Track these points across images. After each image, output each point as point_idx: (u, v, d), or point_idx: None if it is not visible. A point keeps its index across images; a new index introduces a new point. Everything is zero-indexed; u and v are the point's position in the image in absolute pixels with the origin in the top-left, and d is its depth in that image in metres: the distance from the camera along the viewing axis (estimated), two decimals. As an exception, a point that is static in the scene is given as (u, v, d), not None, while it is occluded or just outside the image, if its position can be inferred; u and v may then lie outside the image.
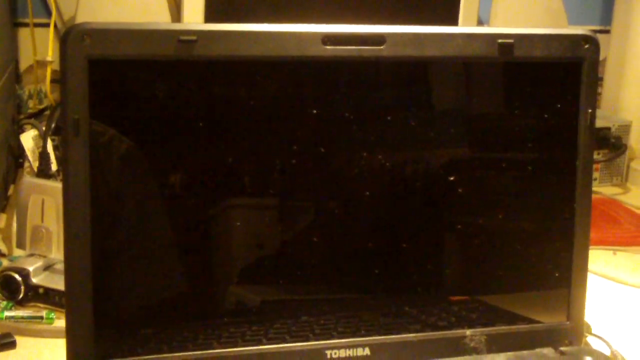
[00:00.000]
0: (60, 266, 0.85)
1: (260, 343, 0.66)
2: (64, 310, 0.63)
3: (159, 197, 0.64)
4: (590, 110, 0.70)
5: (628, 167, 1.36)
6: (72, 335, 0.62)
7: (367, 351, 0.68)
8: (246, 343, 0.66)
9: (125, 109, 0.62)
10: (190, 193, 0.64)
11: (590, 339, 0.77)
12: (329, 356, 0.67)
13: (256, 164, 0.65)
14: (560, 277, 0.73)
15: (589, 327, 0.77)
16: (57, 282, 0.82)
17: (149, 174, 0.64)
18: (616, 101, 1.42)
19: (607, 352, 0.75)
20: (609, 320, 0.86)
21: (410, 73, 0.69)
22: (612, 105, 1.44)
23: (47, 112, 1.23)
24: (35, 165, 1.01)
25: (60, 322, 0.79)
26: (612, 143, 1.30)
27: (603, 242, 1.07)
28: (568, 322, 0.73)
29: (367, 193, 0.68)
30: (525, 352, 0.71)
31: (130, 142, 0.62)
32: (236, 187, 0.65)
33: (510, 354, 0.71)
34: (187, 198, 0.65)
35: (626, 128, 1.33)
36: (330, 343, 0.67)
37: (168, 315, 0.65)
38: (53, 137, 1.03)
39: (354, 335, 0.68)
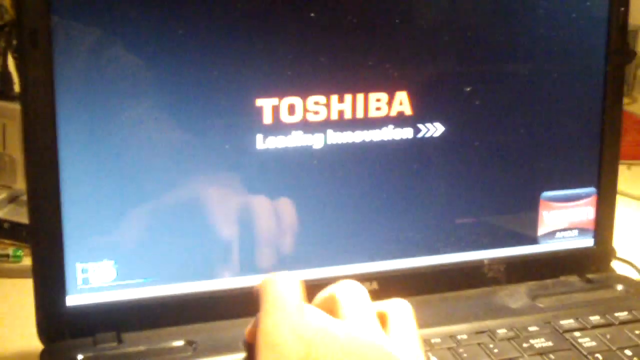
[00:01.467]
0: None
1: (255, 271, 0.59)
2: (29, 247, 0.56)
3: (135, 112, 0.55)
4: (622, 9, 0.62)
5: (635, 75, 1.29)
6: (39, 274, 0.55)
7: (374, 285, 0.61)
8: (238, 279, 0.59)
9: (90, 13, 0.54)
10: (169, 106, 0.56)
11: (614, 264, 0.70)
12: (332, 292, 0.59)
13: (243, 69, 0.57)
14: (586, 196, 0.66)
15: (614, 250, 0.70)
16: (24, 216, 0.74)
17: (121, 86, 0.55)
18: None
19: (636, 277, 0.69)
20: (630, 240, 0.79)
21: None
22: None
23: (7, 29, 1.13)
24: (-4, 86, 0.92)
25: (29, 260, 0.71)
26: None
27: (615, 156, 1.00)
28: (595, 246, 0.66)
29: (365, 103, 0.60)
30: (548, 281, 0.65)
31: (97, 52, 0.53)
32: (220, 97, 0.57)
33: (532, 283, 0.64)
34: (165, 112, 0.56)
35: (634, 34, 1.25)
36: (333, 275, 0.59)
37: (148, 249, 0.58)
38: (15, 55, 0.94)
39: (358, 266, 0.61)
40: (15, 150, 0.80)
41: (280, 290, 0.45)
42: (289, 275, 0.47)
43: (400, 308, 0.48)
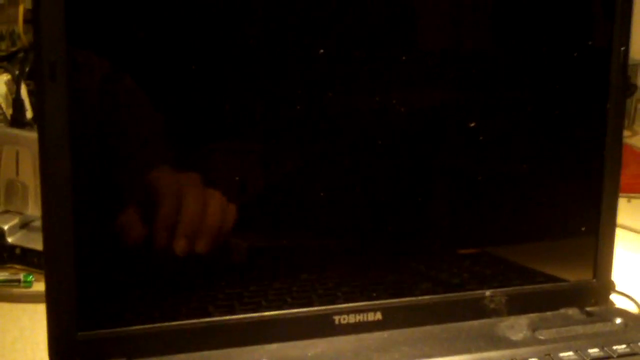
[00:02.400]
0: (38, 224, 0.78)
1: (259, 307, 0.60)
2: (43, 273, 0.57)
3: (146, 144, 0.57)
4: (623, 48, 0.64)
5: (636, 108, 1.30)
6: (52, 300, 0.56)
7: (378, 315, 0.62)
8: (244, 308, 0.60)
9: (107, 48, 0.55)
10: (182, 137, 0.58)
11: (613, 296, 0.71)
12: (337, 322, 0.61)
13: (240, 107, 0.58)
14: (587, 229, 0.67)
15: (613, 283, 0.71)
16: (35, 242, 0.76)
17: (133, 120, 0.57)
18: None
19: (635, 310, 0.70)
20: (629, 273, 0.80)
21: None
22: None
23: (21, 55, 1.15)
24: (9, 113, 0.93)
25: (40, 286, 0.72)
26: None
27: (616, 189, 1.01)
28: (594, 280, 0.68)
29: (368, 138, 0.61)
30: (549, 314, 0.66)
31: (112, 86, 0.55)
32: (221, 131, 0.59)
33: (533, 315, 0.65)
34: (177, 144, 0.59)
35: (635, 68, 1.26)
36: (338, 308, 0.61)
37: (158, 277, 0.59)
38: (28, 82, 0.95)
39: (363, 297, 0.62)
40: (28, 177, 0.81)
41: None
42: None
43: None
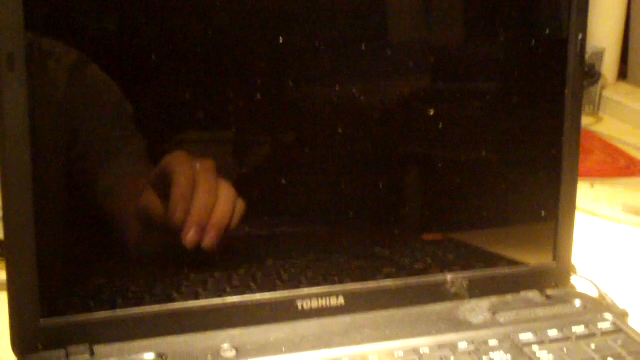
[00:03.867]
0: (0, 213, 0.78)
1: (223, 293, 0.60)
2: (4, 261, 0.57)
3: (108, 134, 0.57)
4: (580, 36, 0.65)
5: (600, 96, 1.32)
6: (13, 288, 0.56)
7: (341, 300, 0.62)
8: (208, 293, 0.60)
9: (66, 38, 0.55)
10: (143, 128, 0.58)
11: (574, 280, 0.72)
12: (300, 307, 0.61)
13: (210, 96, 0.59)
14: (546, 214, 0.68)
15: (573, 267, 0.72)
16: (-2, 231, 0.75)
17: (95, 110, 0.57)
18: (589, 28, 1.36)
19: (594, 294, 0.71)
20: (591, 258, 0.81)
21: None
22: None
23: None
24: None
25: (2, 274, 0.72)
26: (586, 71, 1.25)
27: (580, 174, 1.03)
28: (554, 263, 0.69)
29: (333, 126, 0.62)
30: (509, 297, 0.67)
31: (72, 76, 0.55)
32: (190, 120, 0.59)
33: (494, 298, 0.66)
34: (139, 134, 0.59)
35: (599, 56, 1.28)
36: (301, 293, 0.61)
37: (121, 264, 0.60)
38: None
39: (325, 282, 0.63)
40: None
41: None
42: None
43: None
